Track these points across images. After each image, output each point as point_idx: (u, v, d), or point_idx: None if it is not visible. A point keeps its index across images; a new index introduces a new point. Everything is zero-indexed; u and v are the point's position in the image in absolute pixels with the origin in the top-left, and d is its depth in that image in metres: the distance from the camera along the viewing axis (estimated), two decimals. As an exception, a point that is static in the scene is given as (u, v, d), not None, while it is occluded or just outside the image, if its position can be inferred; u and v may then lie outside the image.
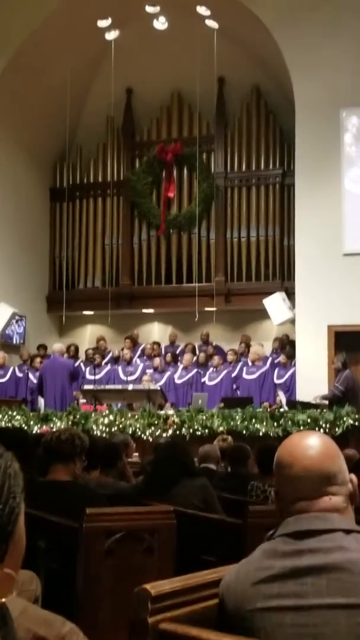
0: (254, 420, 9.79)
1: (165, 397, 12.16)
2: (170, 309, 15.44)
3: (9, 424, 10.28)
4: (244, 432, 9.69)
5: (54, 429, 8.98)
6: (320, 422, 9.49)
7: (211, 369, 13.77)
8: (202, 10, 13.41)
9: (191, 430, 9.89)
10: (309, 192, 12.71)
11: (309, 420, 9.57)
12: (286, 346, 13.82)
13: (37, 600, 3.01)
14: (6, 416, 10.58)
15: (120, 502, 4.25)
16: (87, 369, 14.04)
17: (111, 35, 14.00)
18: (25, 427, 9.92)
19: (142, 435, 9.95)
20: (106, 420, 10.20)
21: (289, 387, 13.05)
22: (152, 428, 10.05)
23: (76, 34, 14.05)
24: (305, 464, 1.83)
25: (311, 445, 1.85)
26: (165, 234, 15.29)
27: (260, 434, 9.59)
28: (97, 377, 13.25)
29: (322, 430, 9.22)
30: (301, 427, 9.35)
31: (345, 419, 9.46)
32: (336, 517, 1.80)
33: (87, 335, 16.37)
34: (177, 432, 9.89)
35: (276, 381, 13.24)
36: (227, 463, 6.60)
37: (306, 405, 10.27)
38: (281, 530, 1.82)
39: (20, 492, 1.28)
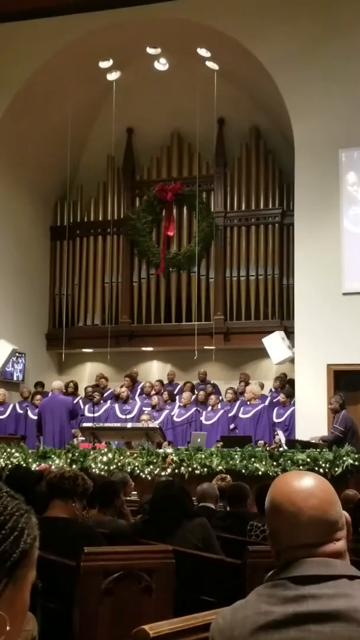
0: (253, 459, 9.73)
1: (164, 436, 12.10)
2: (169, 347, 15.44)
3: (8, 462, 10.21)
4: (243, 471, 9.62)
5: (52, 467, 8.93)
6: (320, 462, 9.43)
7: (208, 408, 13.72)
8: (203, 52, 13.62)
9: (190, 469, 9.83)
10: (308, 231, 12.78)
11: (308, 460, 9.51)
12: (285, 385, 13.79)
13: (34, 640, 2.97)
14: (5, 453, 10.52)
15: (118, 541, 4.21)
16: (87, 406, 14.00)
17: (112, 76, 14.20)
18: (24, 465, 9.86)
19: (141, 473, 9.89)
20: (105, 458, 10.13)
21: (288, 426, 12.99)
22: (151, 466, 9.99)
23: (78, 75, 14.24)
24: (310, 514, 1.76)
25: (312, 492, 1.79)
26: (165, 272, 15.34)
27: (260, 473, 9.52)
28: (96, 414, 13.19)
29: (322, 470, 9.16)
30: (300, 467, 9.28)
31: (345, 458, 9.40)
32: (339, 564, 1.75)
33: (87, 373, 16.34)
34: (176, 471, 9.82)
35: (275, 420, 13.19)
36: (226, 502, 6.55)
37: (305, 445, 10.22)
38: (282, 574, 1.75)
39: (34, 541, 1.25)
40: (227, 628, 1.75)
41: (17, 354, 14.56)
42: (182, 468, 9.85)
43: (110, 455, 10.22)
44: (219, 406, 13.64)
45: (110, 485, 5.67)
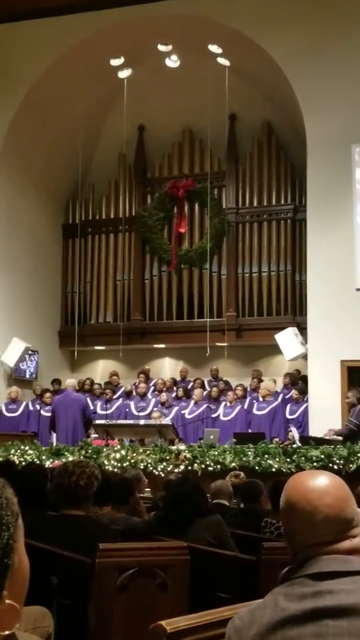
0: (266, 456, 9.70)
1: (177, 433, 12.10)
2: (181, 344, 15.44)
3: (22, 459, 10.24)
4: (257, 468, 9.59)
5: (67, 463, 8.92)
6: (334, 458, 9.38)
7: (224, 404, 13.71)
8: (214, 48, 13.60)
9: (203, 466, 9.81)
10: (320, 227, 12.74)
11: (322, 456, 9.47)
12: (298, 381, 13.75)
13: (50, 637, 2.98)
14: (18, 450, 10.55)
15: (132, 537, 4.21)
16: (99, 403, 14.02)
17: (124, 74, 14.20)
18: (38, 462, 9.88)
19: (154, 470, 9.88)
20: (118, 455, 10.13)
21: (302, 422, 12.97)
22: (164, 463, 9.98)
23: (89, 73, 14.24)
24: (327, 513, 1.77)
25: (327, 490, 1.80)
26: (177, 269, 15.33)
27: (273, 470, 9.50)
28: (109, 411, 13.21)
29: (335, 466, 9.13)
30: (314, 464, 9.25)
31: (359, 455, 9.36)
32: (357, 560, 1.76)
33: (99, 370, 16.38)
34: (189, 468, 9.81)
35: (288, 417, 13.16)
36: (239, 499, 6.54)
37: (319, 441, 10.17)
38: (299, 572, 1.76)
39: (15, 520, 1.22)
40: (244, 628, 1.75)
41: (30, 352, 14.61)
42: (195, 465, 9.84)
43: (123, 452, 10.22)
44: (236, 402, 13.62)
45: (124, 483, 5.66)
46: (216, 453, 9.90)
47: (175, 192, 15.42)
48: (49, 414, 12.86)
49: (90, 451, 10.36)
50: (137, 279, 15.70)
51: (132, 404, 14.21)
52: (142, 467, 9.65)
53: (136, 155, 16.23)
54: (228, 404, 13.65)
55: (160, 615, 2.83)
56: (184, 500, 4.71)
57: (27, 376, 14.88)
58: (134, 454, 10.17)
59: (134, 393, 14.57)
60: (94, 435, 12.18)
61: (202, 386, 14.49)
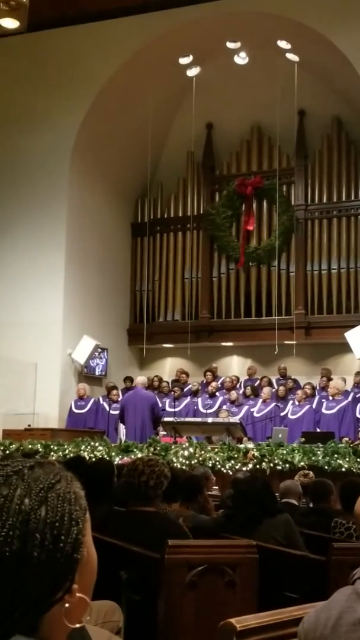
0: (336, 455, 9.60)
1: (245, 431, 12.07)
2: (249, 342, 15.39)
3: (92, 455, 10.37)
4: (326, 467, 9.50)
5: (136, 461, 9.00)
6: None
7: (292, 402, 13.61)
8: (283, 44, 13.50)
9: (271, 465, 9.77)
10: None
11: (393, 457, 9.34)
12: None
13: (120, 631, 3.01)
14: (89, 447, 10.69)
15: (201, 535, 4.21)
16: (167, 401, 14.09)
17: (192, 72, 14.23)
18: (107, 458, 9.98)
19: (222, 468, 9.88)
20: (186, 453, 10.17)
21: (372, 422, 12.78)
22: (232, 461, 9.97)
23: (158, 72, 14.31)
24: None
25: None
26: (245, 267, 15.28)
27: (343, 469, 9.39)
28: (177, 409, 13.26)
29: None
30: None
31: None
32: None
33: (167, 368, 16.44)
34: (257, 466, 9.78)
35: (358, 416, 12.99)
36: (309, 499, 6.49)
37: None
38: None
39: (83, 514, 1.23)
40: (311, 630, 1.73)
41: (99, 349, 14.78)
42: (264, 463, 9.81)
43: (191, 449, 10.25)
44: (305, 401, 13.51)
45: (193, 480, 5.68)
46: (284, 452, 9.85)
47: (244, 190, 15.37)
48: (116, 412, 12.98)
49: (158, 448, 10.42)
50: (205, 277, 15.71)
51: (199, 401, 14.24)
52: (210, 465, 9.66)
53: (204, 153, 16.23)
54: (296, 403, 13.55)
55: (229, 613, 2.83)
56: (252, 500, 4.70)
57: (97, 373, 15.07)
58: (202, 452, 10.19)
59: (202, 391, 14.58)
60: (162, 433, 12.25)
61: (270, 384, 14.42)
